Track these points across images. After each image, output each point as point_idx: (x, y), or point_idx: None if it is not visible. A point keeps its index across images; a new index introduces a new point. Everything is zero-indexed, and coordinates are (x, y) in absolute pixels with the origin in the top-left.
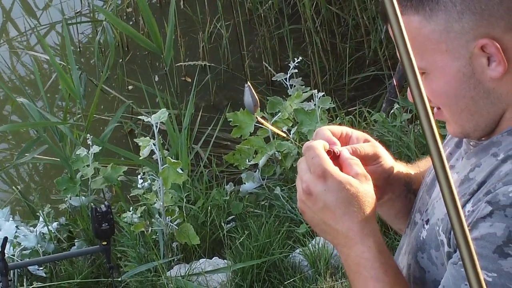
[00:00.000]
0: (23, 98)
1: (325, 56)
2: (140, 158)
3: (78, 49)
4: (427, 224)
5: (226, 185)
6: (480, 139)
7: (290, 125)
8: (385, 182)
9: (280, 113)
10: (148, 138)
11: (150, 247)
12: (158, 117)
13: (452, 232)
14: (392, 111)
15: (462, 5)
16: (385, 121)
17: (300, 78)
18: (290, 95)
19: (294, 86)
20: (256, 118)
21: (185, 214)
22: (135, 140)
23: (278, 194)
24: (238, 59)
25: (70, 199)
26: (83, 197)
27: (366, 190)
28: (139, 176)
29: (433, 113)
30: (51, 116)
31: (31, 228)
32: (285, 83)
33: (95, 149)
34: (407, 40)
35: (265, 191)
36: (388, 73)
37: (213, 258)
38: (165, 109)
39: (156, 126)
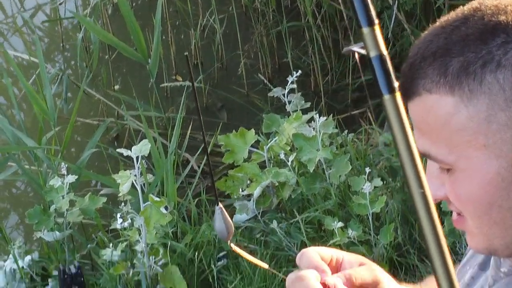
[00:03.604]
0: None
1: (327, 53)
2: (120, 194)
3: (62, 45)
4: None
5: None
6: (510, 257)
7: (288, 149)
8: None
9: (276, 138)
10: (127, 172)
11: None
12: (140, 150)
13: None
14: None
15: None
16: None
17: (300, 93)
18: (289, 111)
19: (293, 101)
20: (231, 247)
21: (169, 255)
22: (113, 176)
23: (274, 228)
24: (234, 57)
25: (43, 234)
26: (57, 232)
27: None
28: (118, 215)
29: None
30: (25, 136)
31: (1, 263)
32: (283, 99)
33: (70, 179)
34: None
35: (260, 224)
36: (396, 74)
37: None
38: (147, 140)
39: (137, 160)
